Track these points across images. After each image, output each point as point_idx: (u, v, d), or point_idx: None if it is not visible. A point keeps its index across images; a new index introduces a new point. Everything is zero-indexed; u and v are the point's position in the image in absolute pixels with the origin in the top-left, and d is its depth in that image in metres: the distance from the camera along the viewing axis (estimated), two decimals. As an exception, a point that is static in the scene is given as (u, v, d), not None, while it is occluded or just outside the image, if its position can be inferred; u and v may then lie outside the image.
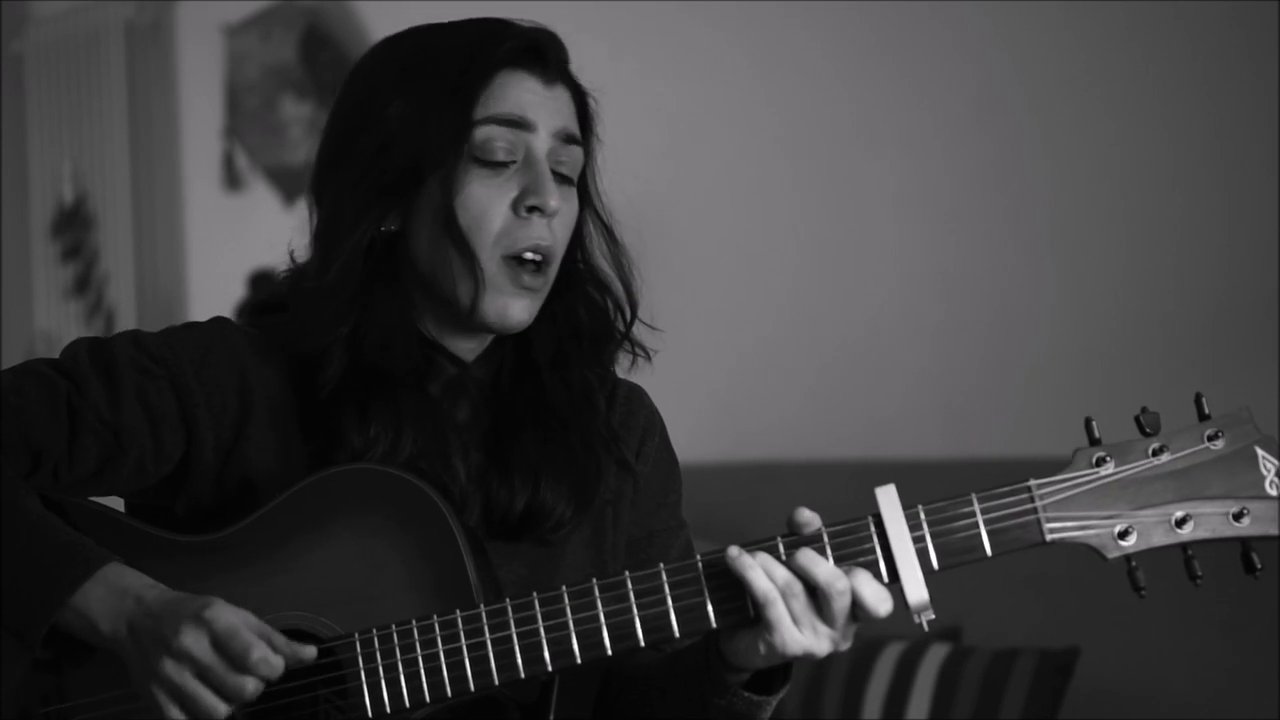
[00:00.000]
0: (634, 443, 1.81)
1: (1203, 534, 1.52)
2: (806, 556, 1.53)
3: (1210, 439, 1.53)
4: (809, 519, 1.56)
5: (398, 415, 1.68)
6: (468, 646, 1.57)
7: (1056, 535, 1.53)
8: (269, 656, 1.53)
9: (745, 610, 1.55)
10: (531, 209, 1.69)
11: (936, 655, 3.25)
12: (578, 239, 1.78)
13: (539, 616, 1.56)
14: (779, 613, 1.53)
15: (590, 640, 1.56)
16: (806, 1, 3.91)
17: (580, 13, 4.13)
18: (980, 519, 1.53)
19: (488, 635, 1.57)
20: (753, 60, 3.99)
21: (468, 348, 1.76)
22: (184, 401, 1.68)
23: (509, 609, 1.57)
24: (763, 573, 1.53)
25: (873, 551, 1.54)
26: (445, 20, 1.77)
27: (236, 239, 4.72)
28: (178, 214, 5.02)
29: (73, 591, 1.56)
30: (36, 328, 5.15)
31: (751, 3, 3.95)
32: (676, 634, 1.56)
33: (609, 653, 1.56)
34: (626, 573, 1.57)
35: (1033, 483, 1.54)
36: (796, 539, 1.56)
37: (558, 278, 1.75)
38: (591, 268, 1.79)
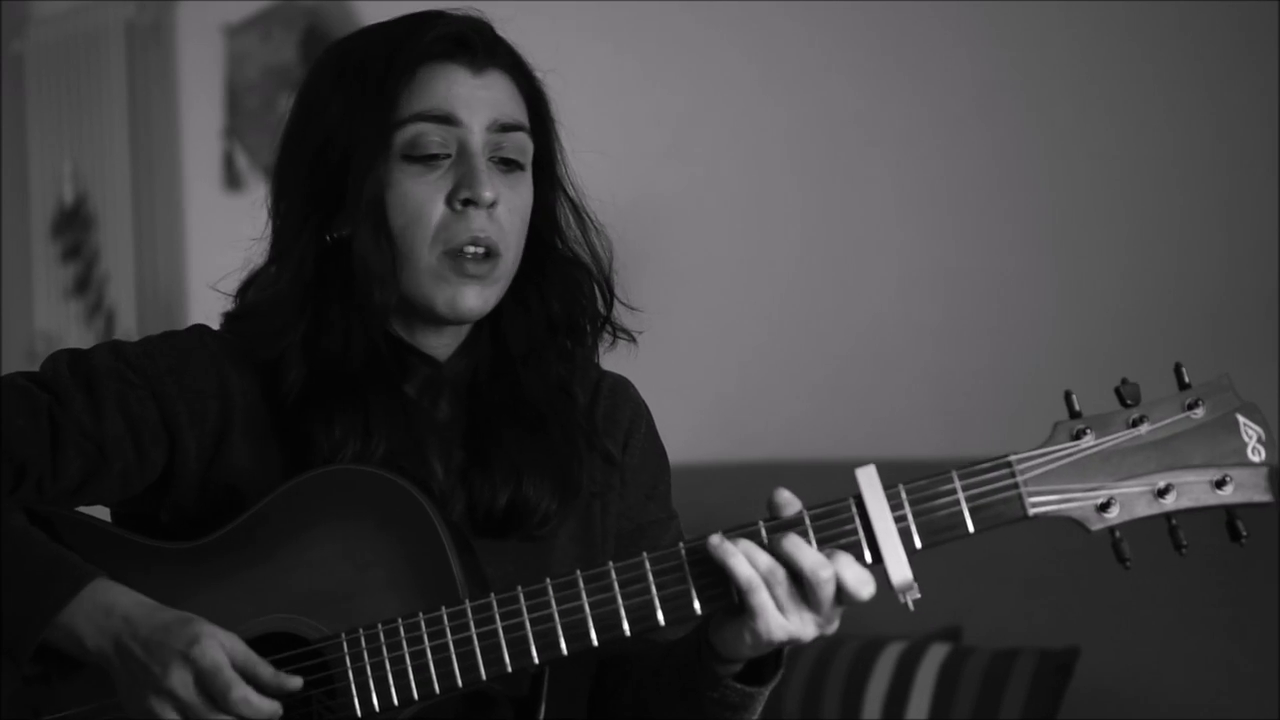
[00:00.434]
0: (620, 435, 1.80)
1: (1186, 503, 1.51)
2: (790, 543, 1.52)
3: (1190, 407, 1.52)
4: (788, 500, 1.55)
5: (365, 417, 1.67)
6: (454, 642, 1.56)
7: (1039, 510, 1.51)
8: (250, 697, 1.54)
9: (730, 597, 1.54)
10: (466, 202, 1.68)
11: (936, 655, 3.24)
12: (550, 223, 1.76)
13: (524, 610, 1.56)
14: (763, 600, 1.52)
15: (576, 631, 1.55)
16: (806, 1, 3.90)
17: (581, 13, 4.15)
18: (961, 496, 1.52)
19: (474, 630, 1.56)
20: (753, 60, 3.98)
21: (442, 344, 1.75)
22: (165, 410, 1.68)
23: (494, 603, 1.56)
24: (745, 560, 1.52)
25: (855, 533, 1.53)
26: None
27: (236, 239, 4.71)
28: (178, 214, 5.01)
29: (59, 610, 1.57)
30: (36, 328, 5.15)
31: (751, 2, 3.95)
32: (662, 622, 1.55)
33: (595, 643, 1.55)
34: (610, 563, 1.56)
35: (1013, 457, 1.52)
36: (779, 523, 1.54)
37: (529, 264, 1.74)
38: (565, 251, 1.78)
